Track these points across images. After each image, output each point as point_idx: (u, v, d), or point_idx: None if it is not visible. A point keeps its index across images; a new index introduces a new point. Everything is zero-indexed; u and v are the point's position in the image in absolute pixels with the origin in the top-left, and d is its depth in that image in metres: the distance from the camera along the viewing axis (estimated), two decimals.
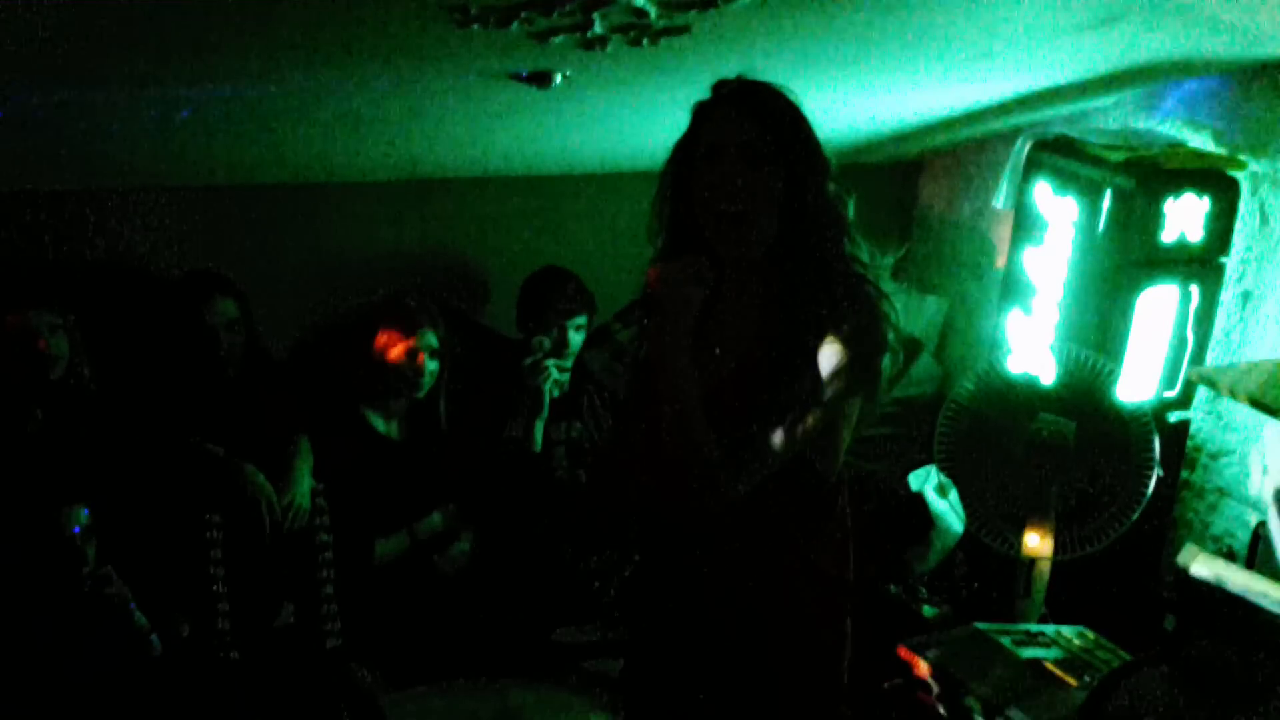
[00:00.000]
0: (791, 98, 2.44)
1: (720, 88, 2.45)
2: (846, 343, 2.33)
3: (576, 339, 4.34)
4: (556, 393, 4.27)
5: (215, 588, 3.66)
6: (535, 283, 4.42)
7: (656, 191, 2.53)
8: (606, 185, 4.77)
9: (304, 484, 3.83)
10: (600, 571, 4.10)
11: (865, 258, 2.47)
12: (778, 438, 2.33)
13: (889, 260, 4.45)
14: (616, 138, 4.23)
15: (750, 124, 2.36)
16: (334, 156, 4.11)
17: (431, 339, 4.10)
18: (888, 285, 5.16)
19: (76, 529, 3.26)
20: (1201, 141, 3.96)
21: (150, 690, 3.35)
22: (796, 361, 2.33)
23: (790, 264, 2.39)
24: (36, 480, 3.39)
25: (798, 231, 2.38)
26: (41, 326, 3.56)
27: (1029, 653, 3.06)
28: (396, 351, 4.07)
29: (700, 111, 2.46)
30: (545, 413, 4.24)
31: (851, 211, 2.55)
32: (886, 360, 2.40)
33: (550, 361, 4.24)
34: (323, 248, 4.49)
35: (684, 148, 2.46)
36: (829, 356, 2.33)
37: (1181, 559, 2.65)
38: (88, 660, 3.26)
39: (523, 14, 2.53)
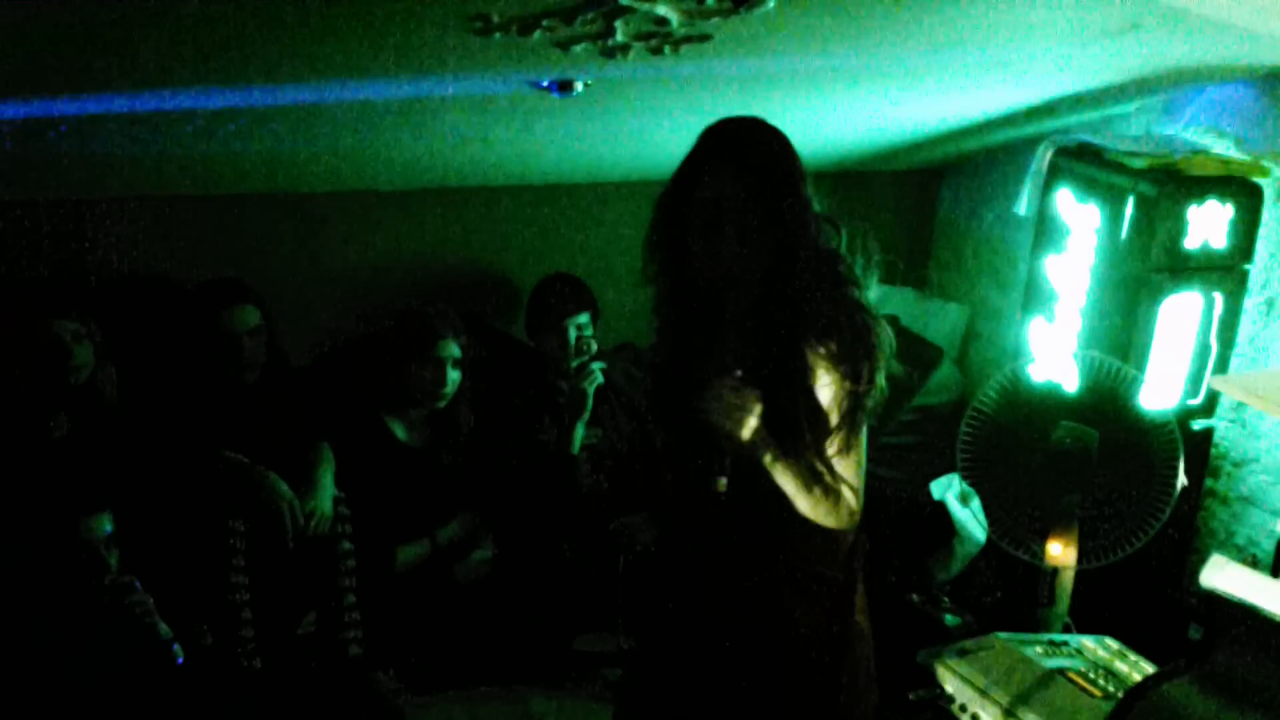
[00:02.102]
0: (782, 136, 2.47)
1: (717, 137, 2.44)
2: (838, 369, 2.36)
3: (573, 337, 4.34)
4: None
5: (237, 596, 3.66)
6: (538, 289, 4.47)
7: (650, 232, 2.54)
8: (628, 193, 4.78)
9: (326, 492, 3.83)
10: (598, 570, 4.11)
11: (858, 278, 2.49)
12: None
13: (878, 258, 4.42)
14: (638, 146, 4.23)
15: (749, 178, 2.37)
16: (354, 165, 4.12)
17: (453, 348, 4.10)
18: (901, 289, 5.17)
19: (99, 537, 3.26)
20: (1225, 148, 3.95)
21: (173, 699, 3.35)
22: (791, 387, 2.36)
23: (782, 301, 2.40)
24: (59, 488, 3.39)
25: (792, 274, 2.39)
26: (64, 335, 3.57)
27: (1053, 662, 3.04)
28: (418, 361, 4.08)
29: (697, 159, 2.45)
30: (587, 415, 4.26)
31: (844, 242, 2.54)
32: (882, 382, 2.41)
33: (596, 364, 4.27)
34: (344, 256, 4.50)
35: (679, 193, 2.45)
36: (824, 385, 2.37)
37: (1207, 568, 2.63)
38: (109, 668, 3.26)
39: (544, 22, 2.53)
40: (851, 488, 2.45)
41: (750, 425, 2.31)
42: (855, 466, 2.46)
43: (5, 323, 3.59)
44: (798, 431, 2.37)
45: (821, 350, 2.37)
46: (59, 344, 3.56)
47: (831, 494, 2.41)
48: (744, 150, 2.40)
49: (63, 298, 3.65)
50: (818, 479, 2.39)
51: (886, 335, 2.46)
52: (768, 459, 2.36)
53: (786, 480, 2.38)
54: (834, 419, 2.38)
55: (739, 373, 2.34)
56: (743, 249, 2.35)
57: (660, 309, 2.62)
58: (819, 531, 2.44)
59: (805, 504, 2.40)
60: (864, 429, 2.47)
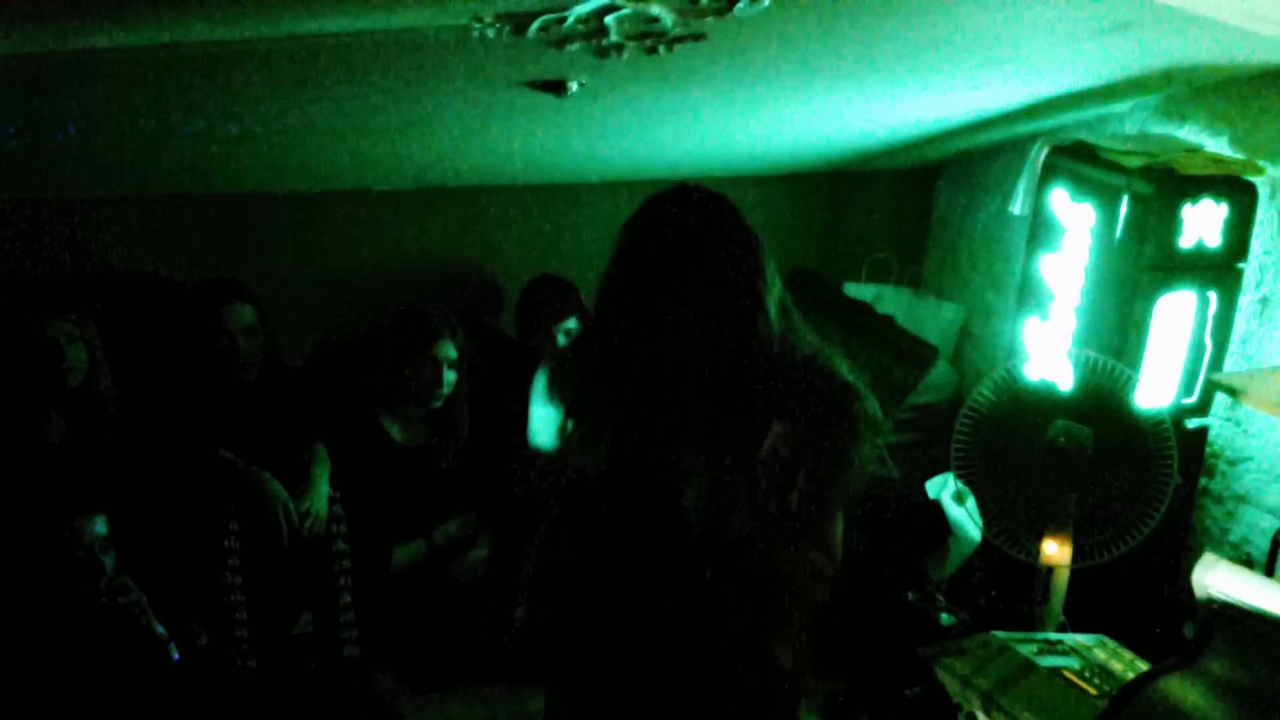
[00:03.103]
0: (737, 222, 2.39)
1: (676, 229, 2.35)
2: (803, 436, 2.26)
3: (562, 342, 4.34)
4: None
5: (233, 596, 3.66)
6: (527, 290, 4.49)
7: (605, 286, 2.43)
8: (623, 193, 4.78)
9: (321, 491, 3.83)
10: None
11: (830, 356, 2.37)
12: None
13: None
14: (633, 146, 4.24)
15: (708, 286, 2.29)
16: (350, 164, 4.12)
17: (450, 349, 4.10)
18: (896, 288, 5.17)
19: (94, 538, 3.26)
20: (1219, 146, 3.95)
21: (168, 699, 3.35)
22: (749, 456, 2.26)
23: (737, 373, 2.31)
24: (54, 490, 3.39)
25: (749, 348, 2.31)
26: (59, 336, 3.57)
27: (1048, 661, 3.05)
28: (415, 361, 4.08)
29: (650, 247, 2.36)
30: None
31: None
32: (862, 456, 2.32)
33: None
34: (339, 256, 4.51)
35: (629, 281, 2.37)
36: (786, 450, 2.26)
37: (1200, 566, 2.64)
38: (104, 669, 3.26)
39: (538, 21, 2.54)
40: (815, 566, 2.36)
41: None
42: (824, 544, 2.36)
43: (6, 322, 3.59)
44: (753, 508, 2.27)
45: (779, 430, 2.25)
46: (54, 345, 3.56)
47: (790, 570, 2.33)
48: (703, 254, 2.31)
49: (58, 298, 3.65)
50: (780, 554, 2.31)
51: (865, 409, 2.32)
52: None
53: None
54: (794, 498, 2.27)
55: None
56: (692, 345, 2.27)
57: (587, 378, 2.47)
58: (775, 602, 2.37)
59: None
60: (837, 508, 2.37)
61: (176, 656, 3.38)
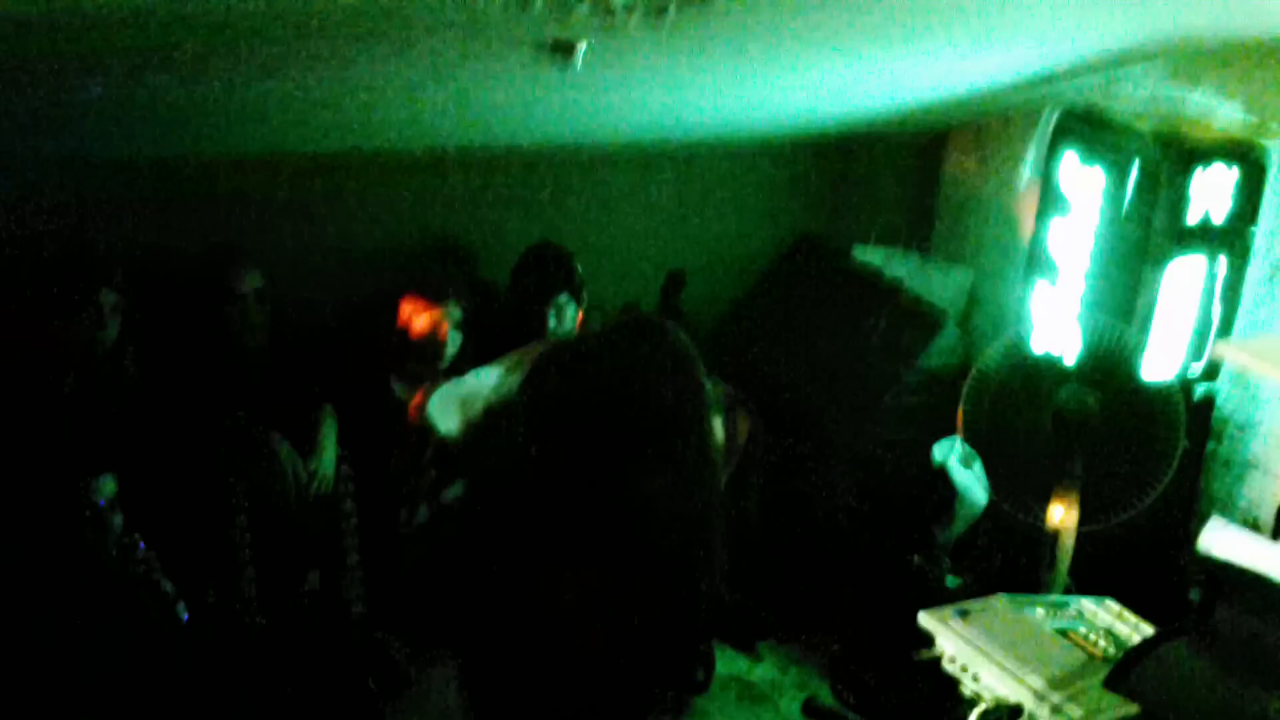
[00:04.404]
0: (678, 355, 2.37)
1: (615, 376, 2.33)
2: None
3: (553, 319, 4.29)
4: None
5: (241, 555, 3.68)
6: (520, 264, 4.39)
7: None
8: (628, 161, 4.79)
9: (329, 453, 3.85)
10: None
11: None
12: None
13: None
14: (640, 115, 4.23)
15: (649, 432, 2.29)
16: (352, 131, 4.11)
17: (455, 312, 4.11)
18: (905, 253, 5.16)
19: (103, 499, 3.27)
20: (1231, 112, 3.93)
21: (177, 656, 3.36)
22: None
23: None
24: (65, 450, 3.41)
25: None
26: (105, 306, 3.59)
27: (1054, 624, 3.06)
28: (420, 323, 4.08)
29: (582, 386, 2.34)
30: None
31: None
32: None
33: None
34: (346, 221, 4.51)
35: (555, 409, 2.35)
36: None
37: (1208, 530, 2.64)
38: (112, 627, 3.27)
39: None
40: None
41: None
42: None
43: (51, 287, 3.60)
44: None
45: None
46: (99, 314, 3.58)
47: None
48: (646, 400, 2.30)
49: (108, 266, 3.66)
50: None
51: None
52: None
53: None
54: None
55: None
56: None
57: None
58: None
59: None
60: None
61: (185, 615, 3.40)
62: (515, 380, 2.46)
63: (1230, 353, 3.68)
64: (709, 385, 2.41)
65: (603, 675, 2.52)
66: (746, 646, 4.21)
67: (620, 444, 2.30)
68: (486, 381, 2.91)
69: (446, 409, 3.02)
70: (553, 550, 2.39)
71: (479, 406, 2.85)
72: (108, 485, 3.29)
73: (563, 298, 4.27)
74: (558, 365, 2.38)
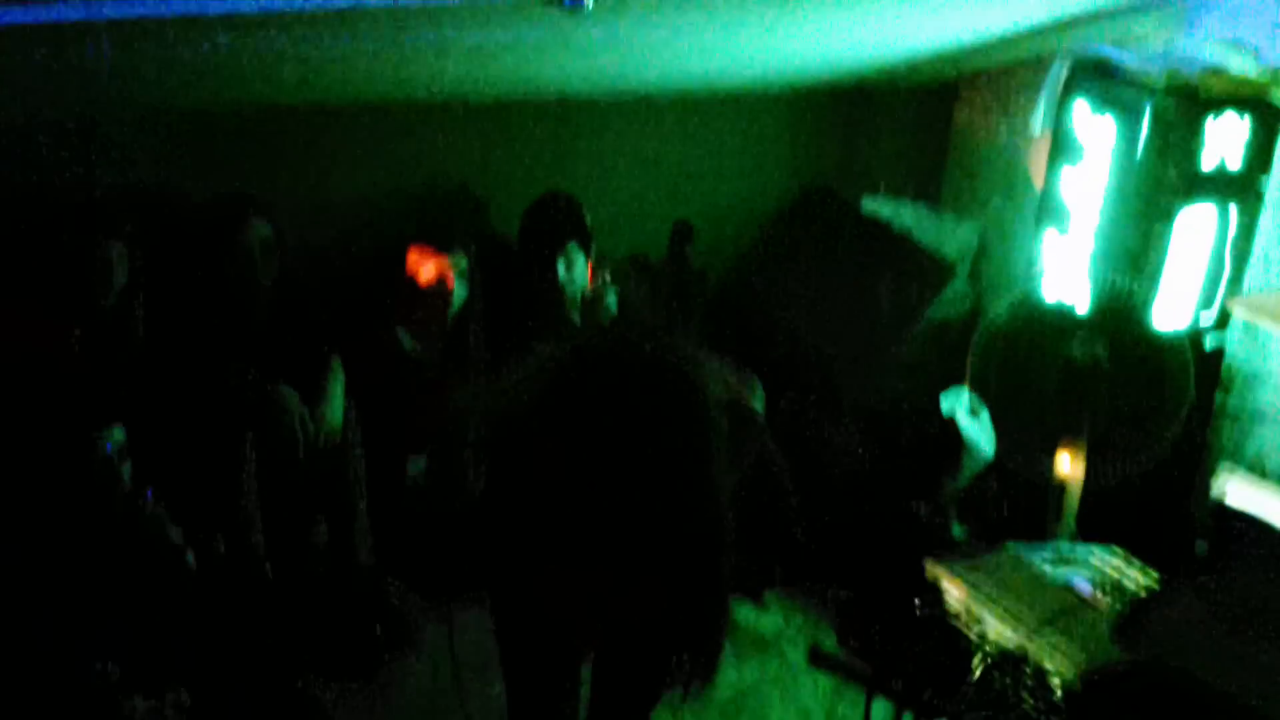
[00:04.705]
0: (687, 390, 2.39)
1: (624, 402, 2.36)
2: None
3: (562, 269, 4.27)
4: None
5: (248, 505, 3.69)
6: (528, 215, 4.36)
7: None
8: (636, 110, 4.76)
9: (336, 403, 3.85)
10: None
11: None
12: None
13: None
14: (648, 62, 4.20)
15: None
16: (359, 80, 4.08)
17: (461, 262, 4.10)
18: (914, 204, 5.14)
19: (111, 449, 3.27)
20: (1243, 62, 3.89)
21: (185, 604, 3.38)
22: None
23: None
24: (74, 401, 3.41)
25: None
26: (113, 258, 3.58)
27: (1060, 573, 3.06)
28: (426, 274, 4.07)
29: (588, 404, 2.37)
30: None
31: None
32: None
33: (609, 290, 4.25)
34: (353, 171, 4.48)
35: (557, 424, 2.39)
36: None
37: (1217, 482, 2.64)
38: (123, 575, 3.29)
39: None
40: None
41: None
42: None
43: (59, 237, 3.59)
44: None
45: None
46: (106, 266, 3.58)
47: None
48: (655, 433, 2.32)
49: (114, 218, 3.65)
50: None
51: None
52: None
53: None
54: None
55: None
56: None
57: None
58: None
59: None
60: None
61: (194, 565, 3.41)
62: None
63: (1239, 309, 3.66)
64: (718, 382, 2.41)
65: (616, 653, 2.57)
66: (753, 595, 4.22)
67: (626, 448, 2.32)
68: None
69: None
70: (560, 544, 2.43)
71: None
72: (116, 435, 3.29)
73: (572, 247, 4.24)
74: (567, 373, 2.42)
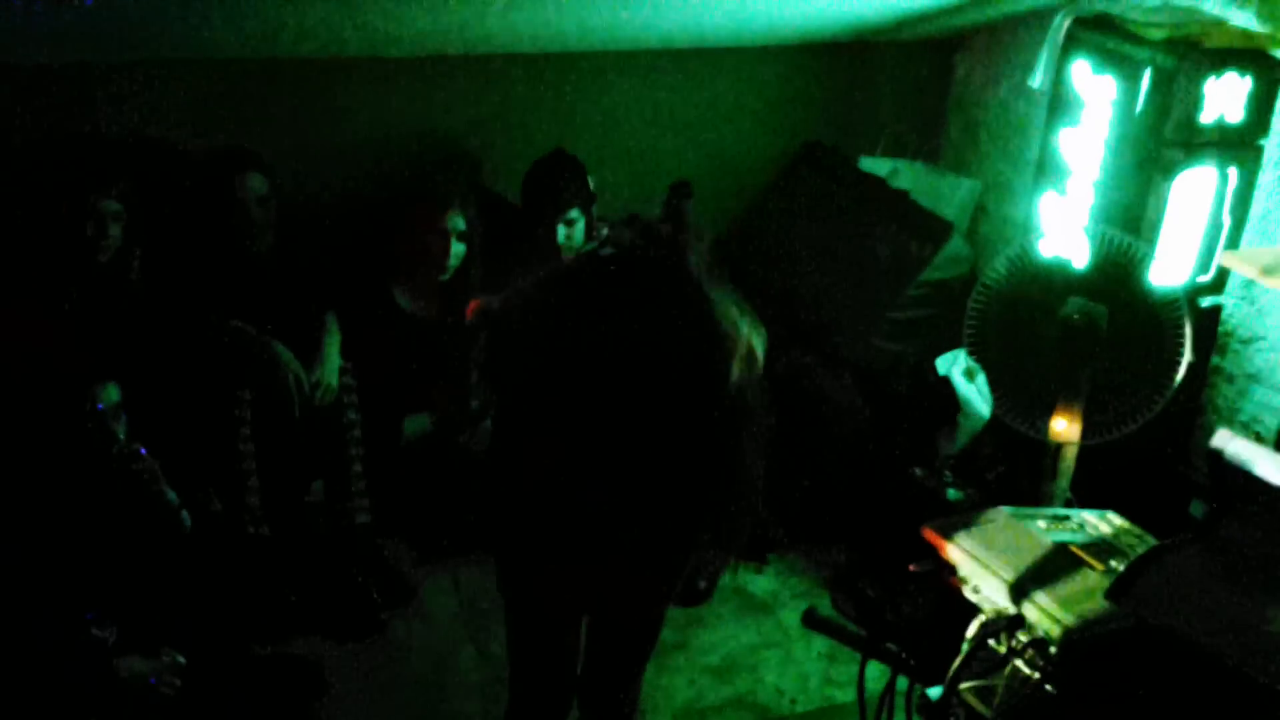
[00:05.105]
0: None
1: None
2: None
3: (563, 231, 4.23)
4: None
5: (245, 464, 3.69)
6: (530, 174, 4.32)
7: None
8: (639, 64, 4.73)
9: (332, 362, 3.84)
10: None
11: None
12: None
13: None
14: (650, 13, 4.16)
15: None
16: (360, 31, 4.05)
17: (459, 221, 4.08)
18: (912, 163, 5.12)
19: (104, 406, 3.26)
20: (1245, 19, 3.86)
21: (181, 564, 3.38)
22: None
23: None
24: (68, 358, 3.40)
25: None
26: (108, 214, 3.56)
27: (1056, 536, 3.05)
28: (423, 231, 4.06)
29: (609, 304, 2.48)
30: None
31: None
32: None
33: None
34: (349, 124, 4.46)
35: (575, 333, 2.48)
36: None
37: (1214, 442, 2.63)
38: (117, 537, 3.28)
39: None
40: None
41: None
42: None
43: (52, 191, 3.57)
44: None
45: None
46: (101, 221, 3.56)
47: None
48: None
49: (110, 175, 3.62)
50: None
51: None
52: None
53: None
54: None
55: None
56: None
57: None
58: None
59: None
60: None
61: (189, 524, 3.41)
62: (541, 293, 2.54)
63: (1237, 264, 3.65)
64: (729, 305, 2.48)
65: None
66: (758, 558, 4.23)
67: (638, 361, 2.37)
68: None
69: None
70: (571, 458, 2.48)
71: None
72: (111, 393, 3.28)
73: (574, 212, 4.21)
74: (579, 281, 2.53)
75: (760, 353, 2.60)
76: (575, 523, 2.54)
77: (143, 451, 3.33)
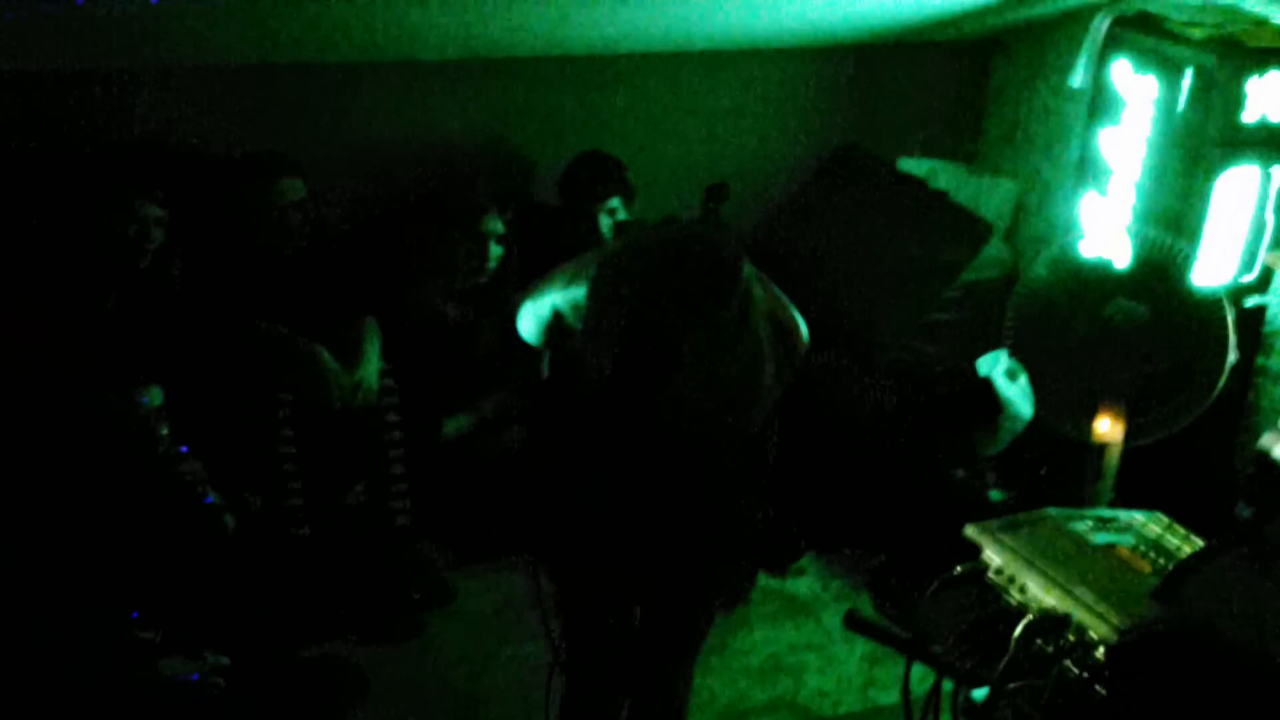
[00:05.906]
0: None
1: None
2: None
3: (605, 222, 4.27)
4: None
5: (286, 466, 3.70)
6: (569, 169, 4.41)
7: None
8: (670, 67, 4.73)
9: (372, 364, 3.85)
10: None
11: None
12: None
13: None
14: (685, 15, 4.16)
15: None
16: (395, 35, 4.07)
17: (496, 224, 4.10)
18: (951, 163, 5.10)
19: (148, 409, 3.28)
20: None
21: (224, 566, 3.40)
22: None
23: None
24: (111, 361, 3.42)
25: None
26: (150, 219, 3.58)
27: (1101, 538, 3.03)
28: (461, 236, 4.07)
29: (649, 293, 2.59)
30: None
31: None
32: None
33: None
34: (384, 129, 4.47)
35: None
36: None
37: (1262, 443, 2.61)
38: (161, 539, 3.30)
39: None
40: None
41: None
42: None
43: (93, 196, 3.59)
44: None
45: None
46: (144, 227, 3.58)
47: None
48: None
49: (151, 179, 3.64)
50: None
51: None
52: None
53: None
54: None
55: None
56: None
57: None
58: None
59: None
60: None
61: (231, 526, 3.42)
62: (582, 282, 2.58)
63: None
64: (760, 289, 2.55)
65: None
66: (778, 568, 4.19)
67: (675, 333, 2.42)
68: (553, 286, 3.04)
69: (525, 318, 3.20)
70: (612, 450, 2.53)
71: (546, 310, 3.05)
72: (155, 395, 3.30)
73: (615, 201, 4.26)
74: (622, 263, 2.64)
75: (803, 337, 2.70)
76: (615, 519, 2.57)
77: (184, 451, 3.35)
